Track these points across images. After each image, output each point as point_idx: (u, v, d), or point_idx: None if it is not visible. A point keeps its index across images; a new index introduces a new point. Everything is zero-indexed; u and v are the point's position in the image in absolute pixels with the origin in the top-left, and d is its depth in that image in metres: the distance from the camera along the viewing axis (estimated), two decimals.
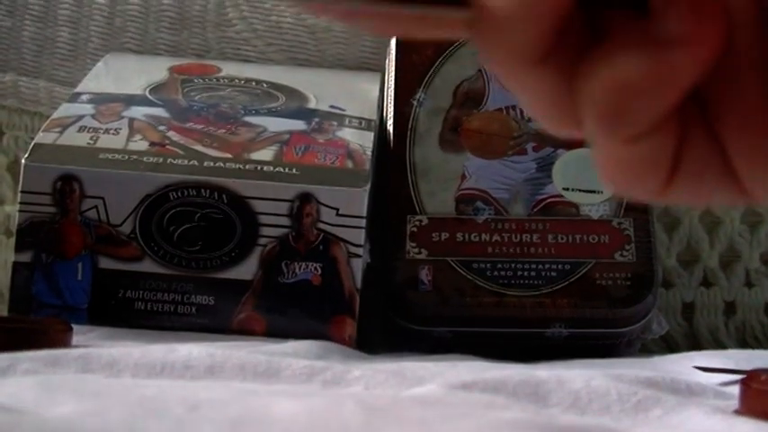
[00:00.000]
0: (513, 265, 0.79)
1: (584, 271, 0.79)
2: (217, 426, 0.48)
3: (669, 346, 0.90)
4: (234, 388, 0.57)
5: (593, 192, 0.82)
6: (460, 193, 0.82)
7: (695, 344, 0.90)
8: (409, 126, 0.85)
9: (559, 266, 0.79)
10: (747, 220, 0.92)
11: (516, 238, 0.80)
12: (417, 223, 0.81)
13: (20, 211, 0.76)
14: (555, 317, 0.78)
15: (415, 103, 0.86)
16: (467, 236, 0.80)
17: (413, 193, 0.82)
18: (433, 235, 0.80)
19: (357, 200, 0.76)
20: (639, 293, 0.79)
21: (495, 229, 0.81)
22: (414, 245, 0.80)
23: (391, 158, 0.84)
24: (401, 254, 0.80)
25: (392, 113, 0.86)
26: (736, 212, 0.91)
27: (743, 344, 0.91)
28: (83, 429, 0.46)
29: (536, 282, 0.79)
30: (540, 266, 0.79)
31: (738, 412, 0.57)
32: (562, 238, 0.80)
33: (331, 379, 0.59)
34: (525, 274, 0.79)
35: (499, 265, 0.79)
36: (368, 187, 0.77)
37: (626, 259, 0.79)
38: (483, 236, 0.80)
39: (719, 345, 0.90)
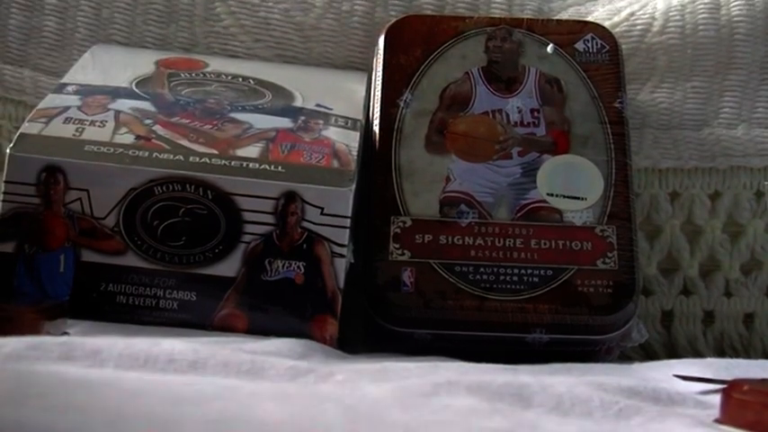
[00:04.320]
0: (495, 270, 0.79)
1: (566, 277, 0.79)
2: (198, 425, 0.48)
3: (647, 353, 0.90)
4: (216, 385, 0.57)
5: (577, 198, 0.82)
6: (445, 195, 0.82)
7: (673, 352, 0.91)
8: (395, 127, 0.85)
9: (542, 272, 0.79)
10: (728, 231, 0.92)
11: (499, 242, 0.80)
12: (401, 224, 0.81)
13: (3, 201, 0.75)
14: (536, 322, 0.78)
15: (401, 104, 0.86)
16: (450, 239, 0.80)
17: (397, 194, 0.82)
18: (417, 237, 0.81)
19: (342, 199, 0.76)
20: (621, 301, 0.79)
21: (478, 232, 0.81)
22: (397, 246, 0.80)
23: (376, 159, 0.84)
24: (384, 255, 0.80)
25: (378, 114, 0.86)
26: (718, 222, 0.92)
27: (721, 353, 0.91)
28: (64, 425, 0.46)
29: (518, 287, 0.79)
30: (523, 271, 0.79)
31: (719, 422, 0.57)
32: (545, 244, 0.80)
33: (314, 381, 0.59)
34: (507, 278, 0.79)
35: (481, 269, 0.79)
36: (353, 187, 0.77)
37: (608, 267, 0.80)
38: (466, 239, 0.80)
39: (697, 354, 0.91)
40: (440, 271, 0.79)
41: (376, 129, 0.85)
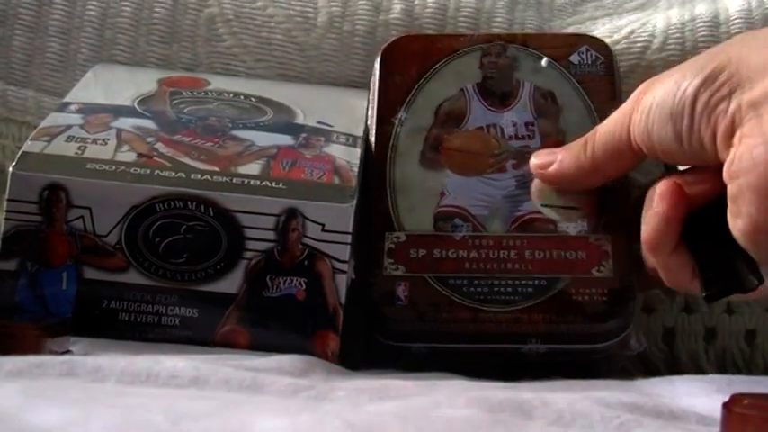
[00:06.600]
0: (489, 282, 0.80)
1: (560, 287, 0.79)
2: None
3: (650, 370, 0.91)
4: (217, 400, 0.57)
5: (572, 208, 0.83)
6: (439, 210, 0.83)
7: (675, 369, 0.91)
8: (390, 145, 0.85)
9: (536, 282, 0.80)
10: None
11: (494, 254, 0.81)
12: (395, 240, 0.81)
13: (6, 219, 0.76)
14: (531, 332, 0.78)
15: (396, 122, 0.86)
16: (444, 252, 0.81)
17: (391, 210, 0.83)
18: (411, 251, 0.81)
19: (343, 216, 0.77)
20: (616, 308, 0.79)
21: (472, 245, 0.81)
22: (391, 261, 0.80)
23: (371, 176, 0.84)
24: (378, 270, 0.80)
25: (374, 132, 0.86)
26: None
27: (722, 370, 0.91)
28: None
29: (512, 297, 0.79)
30: (517, 282, 0.80)
31: None
32: (539, 254, 0.81)
33: (315, 397, 0.60)
34: (502, 290, 0.79)
35: (476, 281, 0.79)
36: (354, 203, 0.77)
37: (603, 275, 0.80)
38: (460, 252, 0.81)
39: (699, 370, 0.91)
40: (434, 284, 0.80)
41: (372, 147, 0.86)
